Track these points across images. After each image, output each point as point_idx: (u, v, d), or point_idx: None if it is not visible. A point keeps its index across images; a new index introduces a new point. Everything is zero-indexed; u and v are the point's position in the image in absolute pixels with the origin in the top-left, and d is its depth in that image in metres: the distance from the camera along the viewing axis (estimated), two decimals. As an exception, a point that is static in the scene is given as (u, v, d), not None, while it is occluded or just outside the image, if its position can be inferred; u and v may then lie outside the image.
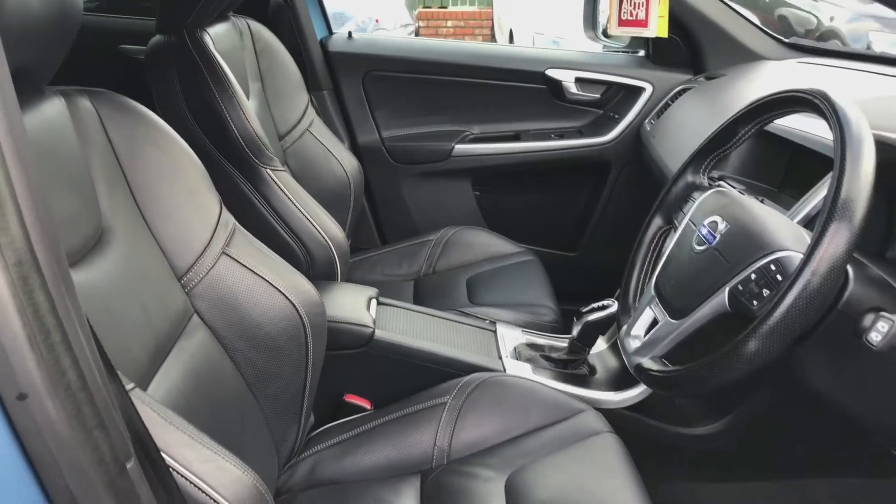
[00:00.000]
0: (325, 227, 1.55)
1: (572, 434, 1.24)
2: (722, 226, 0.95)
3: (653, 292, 1.03)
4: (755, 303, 0.86)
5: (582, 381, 1.46)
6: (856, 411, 0.91)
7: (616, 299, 1.44)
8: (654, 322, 1.02)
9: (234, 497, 0.78)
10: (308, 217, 1.53)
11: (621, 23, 1.94)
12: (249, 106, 1.50)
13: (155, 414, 0.76)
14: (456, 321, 1.57)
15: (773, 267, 0.86)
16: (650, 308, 1.03)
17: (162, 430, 0.75)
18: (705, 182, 1.13)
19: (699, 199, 1.08)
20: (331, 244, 1.55)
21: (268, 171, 1.49)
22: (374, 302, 1.50)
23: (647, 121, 2.15)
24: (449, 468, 1.23)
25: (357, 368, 1.40)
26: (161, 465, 0.65)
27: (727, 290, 0.89)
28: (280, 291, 1.18)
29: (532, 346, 1.53)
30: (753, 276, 0.86)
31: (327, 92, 2.21)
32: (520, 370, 1.42)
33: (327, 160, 1.96)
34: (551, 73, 2.21)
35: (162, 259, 1.07)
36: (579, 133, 2.26)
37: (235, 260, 1.15)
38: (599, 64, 2.25)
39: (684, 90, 2.08)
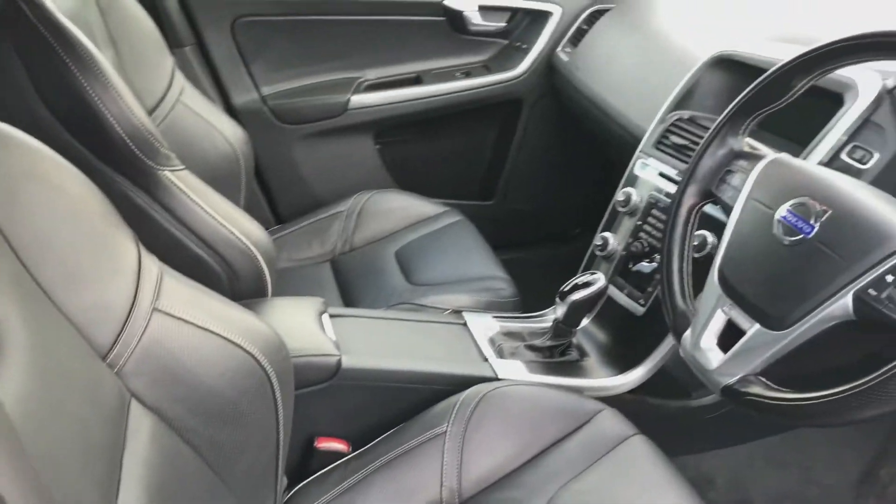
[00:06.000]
0: (245, 231, 1.23)
1: (597, 442, 1.08)
2: (817, 210, 0.78)
3: (720, 291, 0.85)
4: None
5: (575, 368, 1.30)
6: None
7: (594, 271, 1.27)
8: (730, 327, 0.84)
9: None
10: (222, 222, 1.21)
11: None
12: (125, 87, 1.13)
13: None
14: (420, 321, 1.33)
15: None
16: (723, 312, 0.85)
17: None
18: (745, 146, 0.95)
19: (754, 169, 0.90)
20: (255, 251, 1.24)
21: (166, 173, 1.14)
22: (325, 317, 1.23)
23: (559, 50, 1.96)
24: (466, 510, 1.03)
25: (325, 406, 1.14)
26: None
27: (851, 294, 0.72)
28: (232, 342, 0.90)
29: (509, 334, 1.34)
30: (890, 277, 0.70)
31: (189, 48, 1.81)
32: (513, 372, 1.22)
33: (208, 134, 1.60)
34: (450, 2, 1.93)
35: (78, 340, 0.75)
36: (486, 69, 2.02)
37: (171, 315, 0.86)
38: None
39: (599, 12, 1.90)
